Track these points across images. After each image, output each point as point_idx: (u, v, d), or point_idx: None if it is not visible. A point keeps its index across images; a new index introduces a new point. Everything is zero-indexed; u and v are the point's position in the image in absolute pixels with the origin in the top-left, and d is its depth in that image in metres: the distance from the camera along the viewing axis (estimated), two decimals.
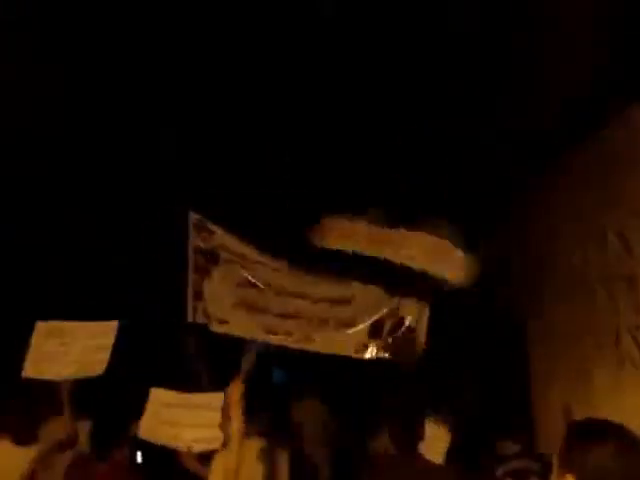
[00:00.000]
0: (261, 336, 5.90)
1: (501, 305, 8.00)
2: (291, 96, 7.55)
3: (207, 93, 7.76)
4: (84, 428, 5.87)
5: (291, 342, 5.96)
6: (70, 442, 5.58)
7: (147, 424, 5.89)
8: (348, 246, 5.71)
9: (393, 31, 7.38)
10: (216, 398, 5.76)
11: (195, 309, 5.96)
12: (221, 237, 6.09)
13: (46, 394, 5.73)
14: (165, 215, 6.61)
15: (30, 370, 5.80)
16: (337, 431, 7.75)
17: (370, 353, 5.93)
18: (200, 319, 5.99)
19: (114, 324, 5.95)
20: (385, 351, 5.91)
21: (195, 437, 5.80)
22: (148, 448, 6.29)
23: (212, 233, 6.11)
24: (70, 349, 5.82)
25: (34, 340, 5.87)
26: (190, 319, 5.99)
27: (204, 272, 6.02)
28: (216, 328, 5.99)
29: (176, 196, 7.19)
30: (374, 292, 6.02)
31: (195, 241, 6.07)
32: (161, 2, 6.92)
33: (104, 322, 5.97)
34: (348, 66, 7.47)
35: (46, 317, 5.94)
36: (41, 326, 5.93)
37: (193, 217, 6.13)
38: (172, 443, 5.83)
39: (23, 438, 5.49)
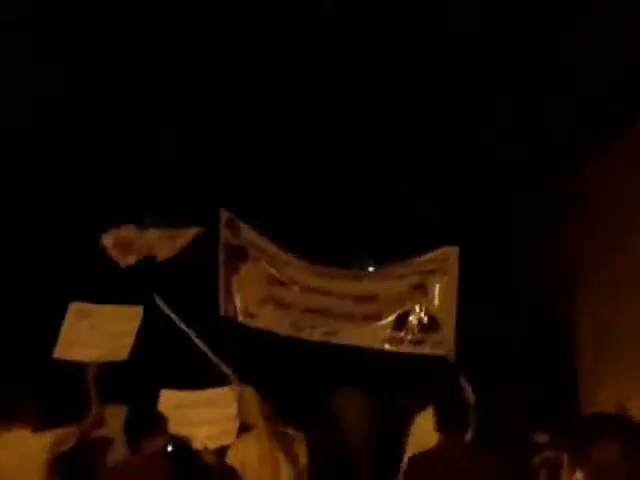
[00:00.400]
0: (287, 330, 6.06)
1: (548, 301, 7.91)
2: (291, 96, 7.55)
3: (206, 93, 7.76)
4: (119, 415, 5.88)
5: (316, 336, 6.05)
6: (96, 425, 5.58)
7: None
8: None
9: (393, 31, 7.39)
10: (225, 393, 5.81)
11: (226, 303, 6.09)
12: (249, 234, 6.24)
13: (71, 378, 5.76)
14: (196, 213, 6.70)
15: (60, 351, 5.83)
16: (378, 418, 7.72)
17: (395, 346, 6.01)
18: (230, 313, 6.11)
19: (139, 309, 5.96)
20: (410, 343, 5.98)
21: (208, 434, 5.78)
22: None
23: (241, 230, 6.24)
24: (98, 332, 5.85)
25: (66, 321, 5.91)
26: (222, 312, 6.08)
27: (233, 268, 6.15)
28: (245, 321, 6.07)
29: (206, 194, 7.25)
30: (398, 287, 6.09)
31: (225, 237, 6.17)
32: (161, 2, 6.94)
33: (130, 306, 5.98)
34: (348, 66, 7.48)
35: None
36: (73, 307, 5.96)
37: (224, 214, 6.23)
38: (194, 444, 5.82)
39: (42, 424, 5.49)
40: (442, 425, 4.97)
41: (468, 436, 5.17)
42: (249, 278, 6.18)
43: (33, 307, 7.20)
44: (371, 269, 7.04)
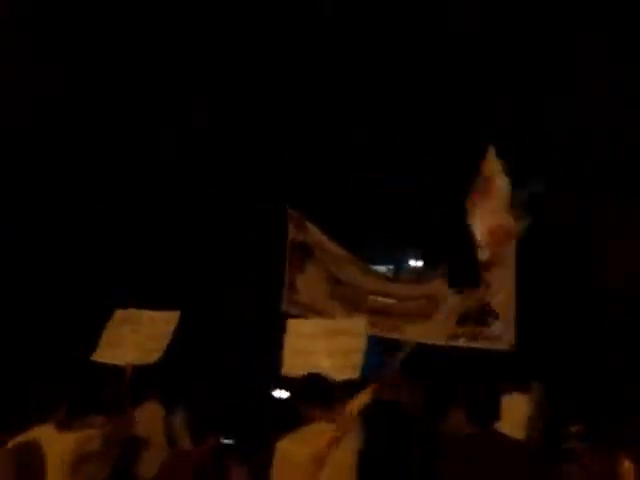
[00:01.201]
0: None
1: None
2: (292, 95, 7.54)
3: (205, 93, 7.76)
4: (179, 417, 5.87)
5: (384, 332, 6.03)
6: (127, 427, 5.56)
7: (287, 360, 5.75)
8: None
9: (392, 31, 7.40)
10: (357, 324, 5.75)
11: (290, 300, 6.13)
12: (315, 234, 6.26)
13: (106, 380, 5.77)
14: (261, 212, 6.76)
15: (98, 354, 5.85)
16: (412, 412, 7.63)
17: (458, 341, 6.02)
18: (293, 310, 6.17)
19: (176, 314, 5.97)
20: (472, 338, 6.00)
21: (333, 365, 5.40)
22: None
23: (308, 230, 6.30)
24: (136, 335, 5.88)
25: (108, 325, 5.94)
26: (284, 309, 6.10)
27: (298, 266, 6.20)
28: (311, 317, 6.03)
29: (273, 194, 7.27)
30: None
31: (293, 235, 6.24)
32: (162, 2, 6.95)
33: (167, 311, 6.00)
34: (349, 65, 7.49)
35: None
36: (117, 313, 5.98)
37: (292, 213, 6.31)
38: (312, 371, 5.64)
39: (69, 424, 5.48)
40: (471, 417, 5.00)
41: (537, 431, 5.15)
42: (315, 276, 6.19)
43: (58, 309, 7.21)
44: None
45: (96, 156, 7.64)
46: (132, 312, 5.92)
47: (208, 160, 8.03)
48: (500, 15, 7.26)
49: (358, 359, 5.30)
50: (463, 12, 7.25)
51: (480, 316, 6.00)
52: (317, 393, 4.87)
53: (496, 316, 5.97)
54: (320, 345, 5.53)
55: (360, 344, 5.42)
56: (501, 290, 5.98)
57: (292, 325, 5.68)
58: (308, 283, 6.22)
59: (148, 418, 5.95)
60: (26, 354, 7.21)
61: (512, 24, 7.29)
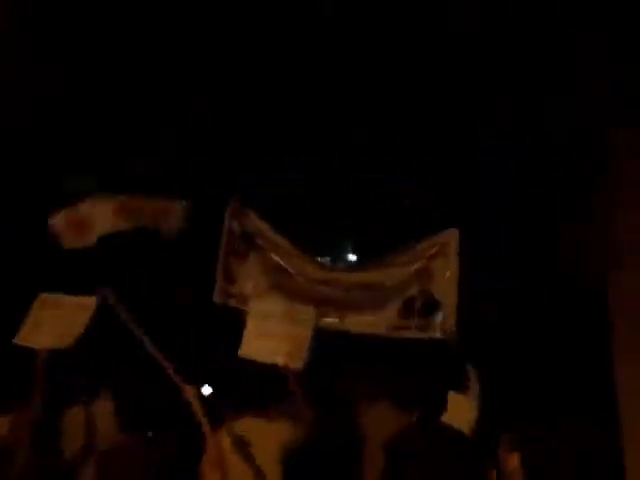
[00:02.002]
0: None
1: (579, 273, 7.74)
2: (294, 95, 7.55)
3: (206, 93, 7.77)
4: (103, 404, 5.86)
5: (324, 323, 5.90)
6: (34, 414, 5.51)
7: (247, 341, 5.43)
8: None
9: (392, 31, 7.41)
10: (306, 310, 5.58)
11: (224, 291, 6.07)
12: (257, 223, 6.21)
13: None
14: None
15: (19, 337, 5.84)
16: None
17: (402, 332, 6.02)
18: (227, 301, 6.09)
19: (93, 299, 5.92)
20: (416, 329, 6.01)
21: (290, 351, 5.29)
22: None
23: (249, 218, 6.24)
24: (55, 321, 5.86)
25: (31, 310, 5.92)
26: (218, 300, 6.07)
27: (240, 255, 6.15)
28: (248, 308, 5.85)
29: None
30: (403, 274, 6.11)
31: (232, 225, 6.18)
32: (163, 2, 6.96)
33: (86, 297, 5.96)
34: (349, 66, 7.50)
35: None
36: (40, 297, 5.96)
37: (232, 202, 6.24)
38: (269, 359, 5.33)
39: None
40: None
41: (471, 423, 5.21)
42: (256, 266, 6.13)
43: None
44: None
45: (96, 155, 7.64)
46: (54, 297, 5.90)
47: (208, 157, 8.04)
48: (500, 15, 7.26)
49: (306, 349, 5.26)
50: (463, 11, 7.26)
51: (423, 306, 6.03)
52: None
53: (438, 306, 6.01)
54: (277, 329, 5.42)
55: (310, 333, 5.35)
56: (443, 279, 6.03)
57: (255, 306, 5.65)
58: (249, 273, 6.16)
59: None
60: None
61: (512, 25, 7.29)
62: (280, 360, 5.17)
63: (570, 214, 7.42)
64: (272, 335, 5.32)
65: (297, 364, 5.14)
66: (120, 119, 7.60)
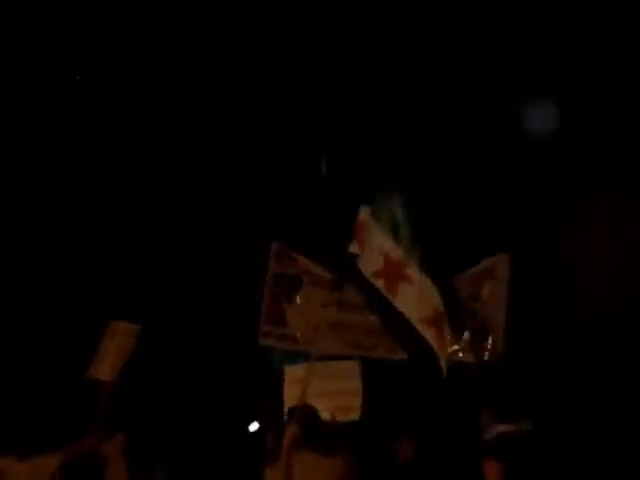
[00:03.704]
0: (348, 351, 6.13)
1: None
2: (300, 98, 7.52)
3: (205, 95, 7.72)
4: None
5: (377, 354, 6.12)
6: (91, 448, 5.45)
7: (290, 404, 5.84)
8: None
9: (392, 33, 7.41)
10: (351, 365, 5.89)
11: (269, 334, 6.12)
12: (303, 263, 6.26)
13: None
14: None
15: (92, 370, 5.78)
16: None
17: (451, 356, 5.98)
18: (275, 343, 6.20)
19: (136, 327, 5.89)
20: (465, 353, 5.97)
21: (337, 406, 5.69)
22: None
23: (294, 260, 6.27)
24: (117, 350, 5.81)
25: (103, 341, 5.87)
26: (262, 342, 6.18)
27: (285, 297, 6.21)
28: (302, 347, 6.17)
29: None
30: (455, 301, 6.10)
31: (275, 268, 6.24)
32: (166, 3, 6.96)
33: (131, 324, 5.92)
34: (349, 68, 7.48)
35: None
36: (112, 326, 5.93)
37: (275, 246, 6.28)
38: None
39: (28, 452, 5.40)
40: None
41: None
42: (304, 304, 6.22)
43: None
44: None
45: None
46: (120, 325, 5.86)
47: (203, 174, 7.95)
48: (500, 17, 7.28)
49: (357, 402, 5.64)
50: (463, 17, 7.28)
51: (472, 330, 5.99)
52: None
53: (487, 330, 5.97)
54: (317, 388, 5.69)
55: (358, 386, 5.75)
56: (494, 304, 5.99)
57: (288, 373, 6.03)
58: (297, 314, 6.23)
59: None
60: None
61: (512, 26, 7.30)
62: (331, 416, 5.48)
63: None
64: (310, 395, 5.56)
65: (350, 416, 5.38)
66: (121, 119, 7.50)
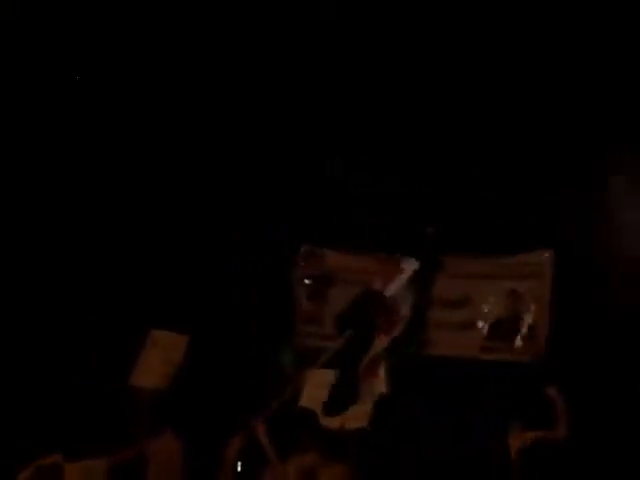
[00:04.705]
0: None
1: None
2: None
3: (204, 95, 7.70)
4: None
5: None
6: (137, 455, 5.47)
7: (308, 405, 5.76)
8: None
9: (392, 33, 7.43)
10: None
11: (309, 334, 6.08)
12: (333, 259, 6.23)
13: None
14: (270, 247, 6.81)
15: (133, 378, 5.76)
16: None
17: (490, 354, 5.91)
18: (310, 342, 6.19)
19: (184, 338, 5.87)
20: (505, 351, 5.89)
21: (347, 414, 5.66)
22: None
23: (323, 258, 6.21)
24: (158, 359, 5.78)
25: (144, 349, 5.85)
26: (302, 344, 6.27)
27: (318, 297, 6.17)
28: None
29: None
30: (492, 291, 5.98)
31: (304, 270, 6.25)
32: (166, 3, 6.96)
33: (176, 335, 5.90)
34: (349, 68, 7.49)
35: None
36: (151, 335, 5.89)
37: (305, 247, 6.34)
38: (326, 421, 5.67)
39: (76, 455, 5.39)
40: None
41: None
42: (338, 301, 6.18)
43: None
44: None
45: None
46: (160, 334, 5.84)
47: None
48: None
49: (369, 408, 5.51)
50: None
51: (512, 329, 5.88)
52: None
53: (529, 329, 5.86)
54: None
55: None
56: (534, 303, 5.88)
57: (311, 375, 5.91)
58: (330, 312, 6.25)
59: (164, 450, 5.72)
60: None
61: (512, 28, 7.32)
62: (340, 424, 5.46)
63: None
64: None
65: (359, 424, 5.40)
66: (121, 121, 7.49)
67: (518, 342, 5.92)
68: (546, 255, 5.98)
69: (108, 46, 7.18)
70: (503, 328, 5.95)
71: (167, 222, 7.42)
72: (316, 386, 5.73)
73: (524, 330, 5.92)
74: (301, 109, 7.42)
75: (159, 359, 5.72)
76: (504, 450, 5.05)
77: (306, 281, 6.31)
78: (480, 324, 6.03)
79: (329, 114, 7.42)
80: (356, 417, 5.51)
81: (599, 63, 6.87)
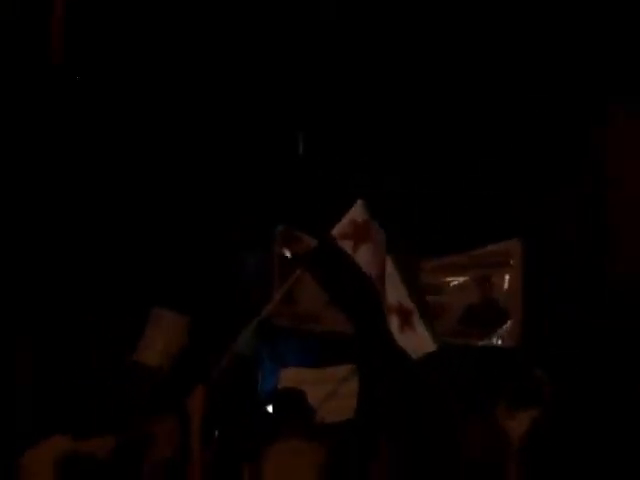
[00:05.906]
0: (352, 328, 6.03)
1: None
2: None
3: (204, 95, 7.71)
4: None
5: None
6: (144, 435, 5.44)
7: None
8: None
9: (392, 34, 7.43)
10: (346, 370, 5.86)
11: (281, 313, 6.07)
12: (310, 242, 6.25)
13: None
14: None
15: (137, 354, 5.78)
16: None
17: (463, 339, 5.97)
18: (286, 322, 6.12)
19: (185, 319, 5.91)
20: (478, 336, 5.98)
21: (329, 409, 5.66)
22: None
23: (300, 240, 6.27)
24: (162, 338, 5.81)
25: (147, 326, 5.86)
26: (275, 323, 6.06)
27: (294, 277, 6.18)
28: (307, 326, 6.17)
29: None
30: (463, 279, 6.07)
31: (281, 250, 6.26)
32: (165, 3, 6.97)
33: (178, 315, 5.92)
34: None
35: None
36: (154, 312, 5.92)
37: (279, 228, 6.30)
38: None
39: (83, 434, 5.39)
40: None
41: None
42: (312, 282, 6.17)
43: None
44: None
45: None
46: (163, 313, 5.85)
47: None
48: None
49: (352, 403, 5.53)
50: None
51: (486, 315, 6.00)
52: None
53: (503, 315, 5.97)
54: (318, 392, 5.67)
55: (354, 388, 5.66)
56: (508, 289, 5.99)
57: (284, 374, 5.96)
58: (304, 293, 6.16)
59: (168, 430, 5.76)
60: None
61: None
62: (320, 419, 5.45)
63: None
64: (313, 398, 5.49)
65: (342, 417, 5.42)
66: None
67: (492, 328, 5.97)
68: (514, 244, 6.07)
69: (108, 46, 7.19)
70: (475, 314, 6.02)
71: (167, 222, 7.43)
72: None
73: (497, 316, 5.99)
74: (301, 109, 7.43)
75: (161, 337, 5.74)
76: (494, 430, 5.12)
77: (280, 261, 6.28)
78: (453, 310, 6.08)
79: (329, 114, 7.44)
80: (338, 411, 5.52)
81: (599, 63, 6.91)
